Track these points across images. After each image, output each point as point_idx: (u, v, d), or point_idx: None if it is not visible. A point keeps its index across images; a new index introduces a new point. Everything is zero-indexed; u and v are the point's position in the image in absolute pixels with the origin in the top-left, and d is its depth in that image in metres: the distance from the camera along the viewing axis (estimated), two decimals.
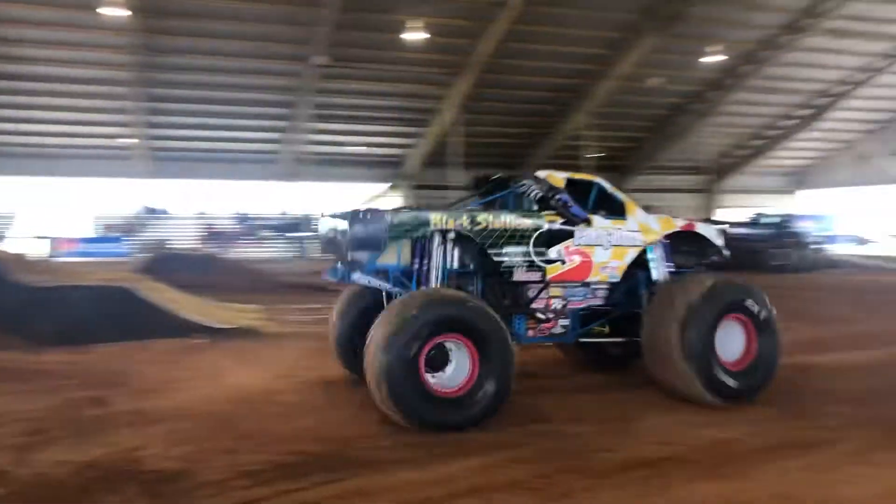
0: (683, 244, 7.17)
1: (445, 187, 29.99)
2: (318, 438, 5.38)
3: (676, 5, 23.20)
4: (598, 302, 6.86)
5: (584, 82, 27.81)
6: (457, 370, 5.66)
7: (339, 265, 6.62)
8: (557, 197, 6.49)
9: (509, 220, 6.27)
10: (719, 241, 7.27)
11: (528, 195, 6.72)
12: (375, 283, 6.20)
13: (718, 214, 34.40)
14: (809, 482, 4.62)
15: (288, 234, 29.93)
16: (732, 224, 26.52)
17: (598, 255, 6.56)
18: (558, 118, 30.19)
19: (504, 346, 5.63)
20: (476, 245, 6.25)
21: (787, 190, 39.70)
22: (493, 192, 7.17)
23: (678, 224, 7.01)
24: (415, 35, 22.38)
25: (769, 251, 24.05)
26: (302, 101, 26.40)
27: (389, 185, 31.91)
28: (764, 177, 38.61)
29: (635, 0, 23.60)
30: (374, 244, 5.94)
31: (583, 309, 6.86)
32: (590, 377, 7.58)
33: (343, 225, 6.12)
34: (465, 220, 6.15)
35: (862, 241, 30.72)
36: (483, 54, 24.29)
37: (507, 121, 29.97)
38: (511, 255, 6.22)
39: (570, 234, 6.43)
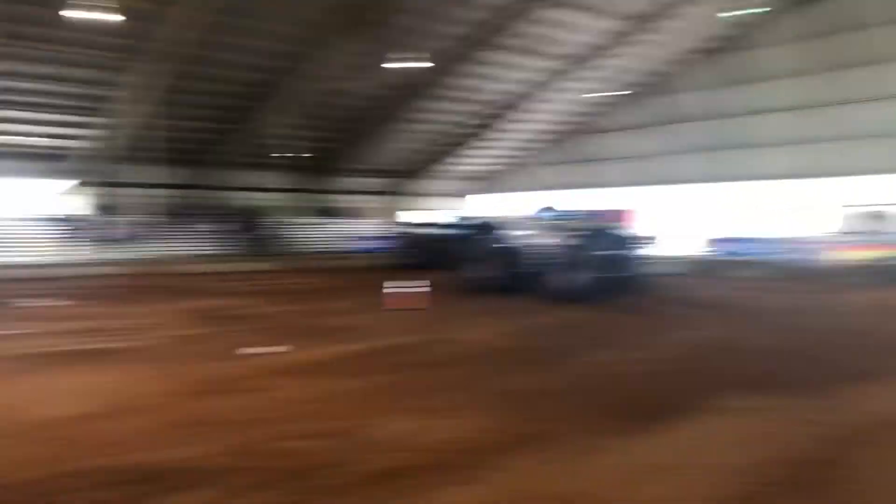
0: None
1: (141, 185, 27.73)
2: None
3: (366, 10, 23.54)
4: None
5: (279, 79, 27.11)
6: None
7: None
8: None
9: None
10: None
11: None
12: None
13: (405, 216, 35.96)
14: (548, 477, 4.90)
15: None
16: (434, 225, 27.75)
17: None
18: (251, 115, 29.12)
19: None
20: None
21: (459, 194, 42.88)
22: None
23: None
24: (103, 15, 19.71)
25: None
26: None
27: (78, 182, 28.45)
28: (440, 181, 41.31)
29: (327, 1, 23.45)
30: None
31: None
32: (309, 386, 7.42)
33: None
34: None
35: None
36: (168, 41, 22.36)
37: (198, 115, 28.21)
38: None
39: None
